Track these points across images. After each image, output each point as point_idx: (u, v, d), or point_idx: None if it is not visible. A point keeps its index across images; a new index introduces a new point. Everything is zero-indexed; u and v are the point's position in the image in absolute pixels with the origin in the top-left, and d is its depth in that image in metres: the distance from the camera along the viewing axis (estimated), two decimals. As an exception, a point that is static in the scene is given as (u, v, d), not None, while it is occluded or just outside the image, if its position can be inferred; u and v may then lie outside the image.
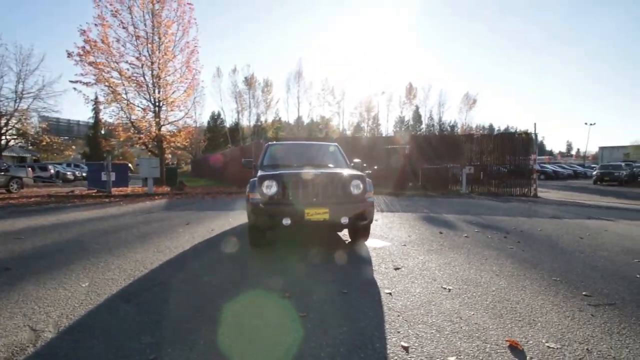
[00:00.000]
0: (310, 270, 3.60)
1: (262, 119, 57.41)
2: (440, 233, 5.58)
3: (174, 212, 8.15)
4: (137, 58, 15.42)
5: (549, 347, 2.05)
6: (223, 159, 23.70)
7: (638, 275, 3.41)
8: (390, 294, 2.90)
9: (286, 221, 3.89)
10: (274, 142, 5.93)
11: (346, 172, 4.31)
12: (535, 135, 14.39)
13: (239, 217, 7.22)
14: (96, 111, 40.03)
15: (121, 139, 16.41)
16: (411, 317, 2.46)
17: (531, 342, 2.11)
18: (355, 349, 2.03)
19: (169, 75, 16.37)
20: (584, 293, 2.90)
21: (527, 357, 1.93)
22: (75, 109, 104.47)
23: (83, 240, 4.95)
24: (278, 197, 4.00)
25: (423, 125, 61.78)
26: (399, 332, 2.24)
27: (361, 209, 4.10)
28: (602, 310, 2.58)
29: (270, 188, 4.02)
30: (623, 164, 22.94)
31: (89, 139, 43.61)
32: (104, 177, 13.88)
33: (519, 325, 2.32)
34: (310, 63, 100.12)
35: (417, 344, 2.08)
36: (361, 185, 4.20)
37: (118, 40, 14.97)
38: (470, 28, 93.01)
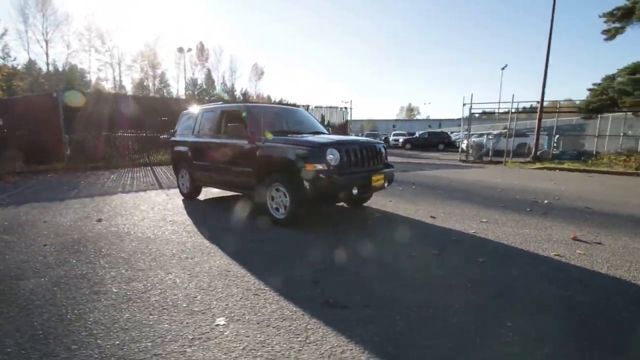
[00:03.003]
0: (385, 234, 3.85)
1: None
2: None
3: (6, 209, 4.88)
4: None
5: (576, 235, 3.69)
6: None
7: (518, 197, 6.02)
8: (475, 233, 3.80)
9: (355, 190, 3.79)
10: (250, 105, 4.88)
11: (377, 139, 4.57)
12: (351, 109, 18.26)
13: (155, 200, 5.50)
14: None
15: None
16: (511, 239, 3.49)
17: (559, 235, 3.69)
18: (534, 266, 2.86)
19: None
20: (527, 209, 4.96)
21: (578, 247, 3.45)
22: None
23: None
24: (343, 166, 3.76)
25: (217, 90, 60.27)
26: (535, 249, 3.23)
27: (392, 173, 4.55)
28: (538, 214, 4.63)
29: (334, 157, 3.70)
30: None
31: None
32: None
33: (551, 229, 3.88)
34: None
35: (554, 252, 3.15)
36: (384, 152, 4.61)
37: None
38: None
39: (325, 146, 3.70)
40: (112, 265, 2.88)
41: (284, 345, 1.79)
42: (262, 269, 2.79)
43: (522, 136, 18.18)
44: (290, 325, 1.97)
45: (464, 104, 16.26)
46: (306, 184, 3.64)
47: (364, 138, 4.58)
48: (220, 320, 2.02)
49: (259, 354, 1.72)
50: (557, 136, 15.94)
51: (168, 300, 2.28)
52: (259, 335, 1.88)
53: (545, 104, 14.24)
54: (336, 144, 3.79)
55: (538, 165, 12.24)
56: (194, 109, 5.94)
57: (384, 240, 3.58)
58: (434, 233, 3.83)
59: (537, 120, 14.31)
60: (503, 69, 35.91)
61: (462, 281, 2.57)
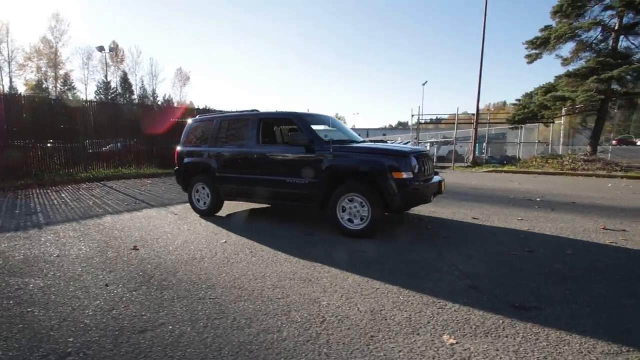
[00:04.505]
0: (460, 237, 4.05)
1: None
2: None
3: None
4: None
5: (604, 228, 4.39)
6: None
7: (511, 196, 6.84)
8: (529, 229, 4.23)
9: (432, 196, 3.90)
10: (300, 112, 4.53)
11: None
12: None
13: (167, 220, 4.80)
14: None
15: None
16: (562, 232, 4.01)
17: (579, 226, 4.38)
18: (611, 253, 3.37)
19: None
20: (535, 207, 5.69)
21: (623, 233, 4.15)
22: None
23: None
24: (420, 173, 3.82)
25: (135, 96, 54.27)
26: (589, 238, 3.76)
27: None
28: (548, 210, 5.39)
29: (415, 165, 3.74)
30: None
31: None
32: None
33: (576, 222, 4.55)
34: None
35: (608, 240, 3.72)
36: (430, 159, 4.83)
37: None
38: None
39: (409, 154, 3.74)
40: (239, 298, 2.43)
41: (543, 352, 1.77)
42: (404, 281, 2.67)
43: (451, 144, 20.73)
44: (517, 332, 1.96)
45: (412, 115, 17.88)
46: (393, 192, 3.61)
47: (421, 147, 4.74)
48: (449, 339, 1.90)
49: (532, 365, 1.68)
50: (485, 143, 18.56)
51: (361, 325, 2.04)
52: (506, 347, 1.82)
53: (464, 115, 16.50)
54: (413, 153, 3.86)
55: (483, 169, 14.06)
56: (210, 116, 5.35)
57: (468, 243, 3.72)
58: (498, 232, 4.14)
59: (473, 130, 16.45)
60: (424, 84, 40.30)
61: (584, 271, 2.85)
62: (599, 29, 13.16)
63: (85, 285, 2.70)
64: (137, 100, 53.26)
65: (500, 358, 1.74)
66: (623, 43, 12.77)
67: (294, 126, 4.57)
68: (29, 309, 2.31)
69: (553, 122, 15.69)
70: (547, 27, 13.43)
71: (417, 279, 2.74)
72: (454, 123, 17.19)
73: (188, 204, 6.11)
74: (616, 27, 12.47)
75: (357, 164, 3.82)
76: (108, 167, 11.81)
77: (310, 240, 3.89)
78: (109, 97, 49.86)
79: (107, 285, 2.69)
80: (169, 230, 4.38)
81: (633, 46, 12.85)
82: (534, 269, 2.94)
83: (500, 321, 2.09)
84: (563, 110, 14.54)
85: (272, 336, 1.95)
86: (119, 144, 12.71)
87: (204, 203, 5.17)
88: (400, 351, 1.80)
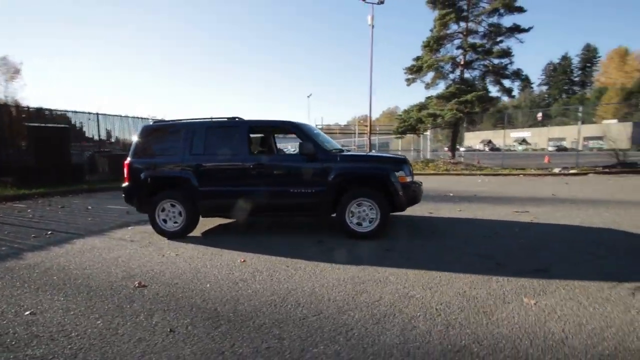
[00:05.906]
0: (442, 229, 4.86)
1: None
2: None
3: None
4: None
5: (515, 211, 6.00)
6: None
7: (431, 193, 8.32)
8: (474, 217, 5.39)
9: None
10: (295, 121, 4.37)
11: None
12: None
13: (133, 249, 4.09)
14: None
15: None
16: (494, 216, 5.33)
17: (510, 211, 5.95)
18: (539, 229, 4.77)
19: None
20: (455, 200, 7.17)
21: (528, 213, 5.76)
22: None
23: None
24: (413, 177, 4.41)
25: None
26: (515, 219, 5.14)
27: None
28: (467, 202, 6.96)
29: (411, 170, 4.31)
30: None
31: None
32: None
33: (494, 208, 6.05)
34: None
35: (528, 219, 5.16)
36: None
37: None
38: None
39: (407, 161, 4.28)
40: (342, 309, 2.41)
41: (584, 296, 2.52)
42: (449, 268, 3.15)
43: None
44: (557, 288, 2.68)
45: (315, 125, 19.02)
46: (400, 195, 4.08)
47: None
48: (530, 300, 2.46)
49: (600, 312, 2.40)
50: (375, 151, 21.47)
51: (467, 305, 2.39)
52: (565, 297, 2.50)
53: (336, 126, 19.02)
54: (407, 160, 4.44)
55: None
56: (172, 123, 4.65)
57: (452, 232, 4.52)
58: (461, 222, 5.15)
59: (367, 139, 18.84)
60: (309, 96, 43.25)
61: (541, 241, 3.97)
62: (450, 63, 17.28)
63: (138, 337, 2.13)
64: None
65: (570, 305, 2.40)
66: (466, 74, 17.16)
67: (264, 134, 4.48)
68: (102, 381, 1.72)
69: (423, 134, 19.58)
70: (419, 58, 16.82)
71: (455, 265, 3.27)
72: (350, 132, 19.23)
73: (131, 228, 5.18)
74: (462, 62, 16.69)
75: (370, 171, 4.16)
76: None
77: (327, 247, 3.97)
78: None
79: (171, 330, 2.19)
80: (152, 259, 3.65)
81: (471, 78, 17.43)
82: (513, 244, 3.90)
83: (541, 282, 2.80)
84: (429, 125, 18.35)
85: (416, 331, 2.11)
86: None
87: (175, 223, 4.45)
88: (514, 317, 2.25)
